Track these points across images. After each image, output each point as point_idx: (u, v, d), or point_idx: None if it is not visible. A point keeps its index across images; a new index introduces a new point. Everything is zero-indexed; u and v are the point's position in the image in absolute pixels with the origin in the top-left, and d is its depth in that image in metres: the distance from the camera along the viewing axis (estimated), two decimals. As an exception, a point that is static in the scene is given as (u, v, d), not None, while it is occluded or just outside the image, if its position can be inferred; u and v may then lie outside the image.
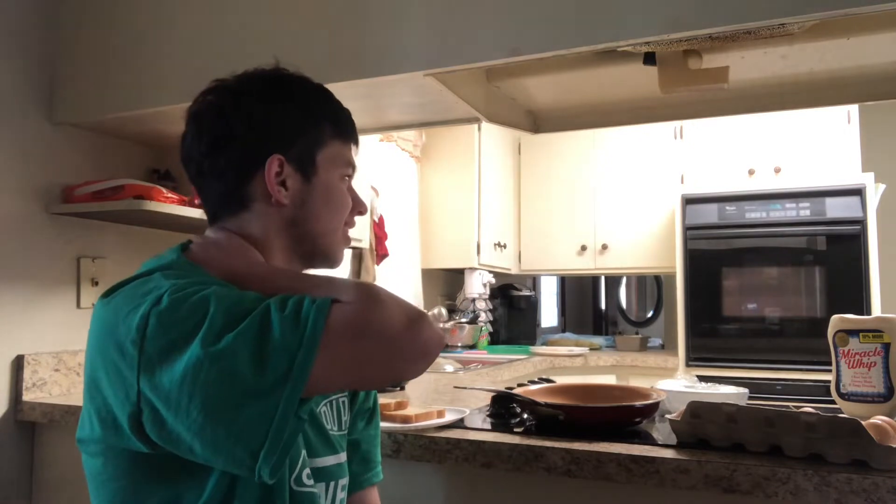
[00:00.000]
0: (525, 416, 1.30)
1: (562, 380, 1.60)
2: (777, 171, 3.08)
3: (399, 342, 0.72)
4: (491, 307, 3.57)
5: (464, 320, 3.35)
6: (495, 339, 3.76)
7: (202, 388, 0.66)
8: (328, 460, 0.91)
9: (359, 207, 0.96)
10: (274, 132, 0.86)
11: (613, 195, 3.50)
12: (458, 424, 1.26)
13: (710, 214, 2.98)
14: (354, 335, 0.71)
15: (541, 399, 1.26)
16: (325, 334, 0.69)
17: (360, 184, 0.94)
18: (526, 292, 3.97)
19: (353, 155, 0.95)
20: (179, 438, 0.68)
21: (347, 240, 0.96)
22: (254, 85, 0.89)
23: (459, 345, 3.31)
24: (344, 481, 0.95)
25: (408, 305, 0.76)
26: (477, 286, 3.38)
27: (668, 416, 1.15)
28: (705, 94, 1.58)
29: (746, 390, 1.36)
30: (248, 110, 0.86)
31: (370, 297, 0.73)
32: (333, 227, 0.92)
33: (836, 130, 3.00)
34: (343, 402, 0.99)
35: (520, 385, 1.51)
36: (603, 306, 4.97)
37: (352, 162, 0.94)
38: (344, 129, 0.93)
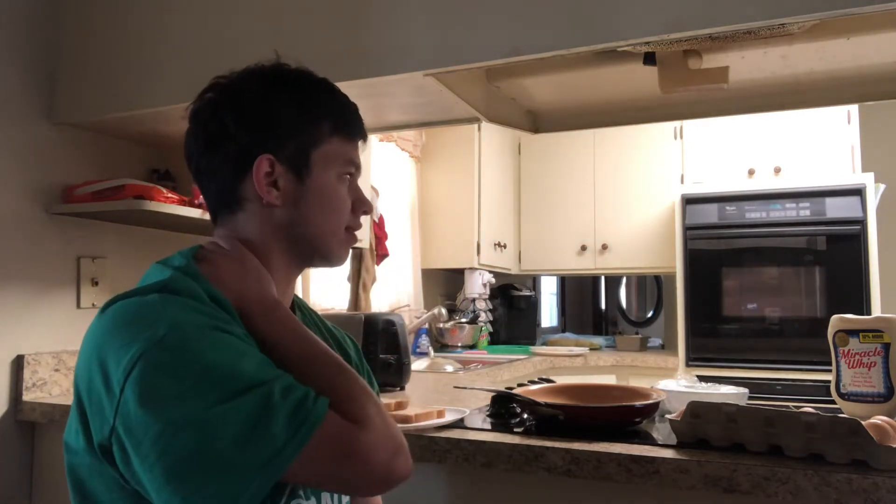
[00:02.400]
0: (525, 416, 1.30)
1: (562, 380, 1.60)
2: (777, 171, 3.08)
3: (377, 472, 0.72)
4: (491, 307, 3.56)
5: (464, 320, 3.35)
6: (495, 339, 3.76)
7: (174, 451, 0.65)
8: None
9: (363, 207, 0.92)
10: (265, 130, 0.84)
11: (613, 195, 3.49)
12: (458, 424, 1.26)
13: (710, 214, 2.98)
14: (340, 453, 0.70)
15: (541, 399, 1.26)
16: (315, 440, 0.68)
17: (361, 184, 0.94)
18: (526, 292, 3.97)
19: (359, 152, 0.92)
20: (141, 482, 0.68)
21: (352, 239, 0.92)
22: (250, 82, 0.87)
23: (459, 345, 3.31)
24: None
25: (395, 433, 0.76)
26: (477, 286, 3.38)
27: (668, 416, 1.15)
28: (705, 94, 1.58)
29: (746, 390, 1.36)
30: (242, 108, 0.84)
31: (366, 417, 0.73)
32: (330, 229, 0.88)
33: (836, 130, 3.00)
34: None
35: (520, 385, 1.51)
36: (603, 306, 4.97)
37: (353, 160, 0.90)
38: (345, 125, 0.89)
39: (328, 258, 0.91)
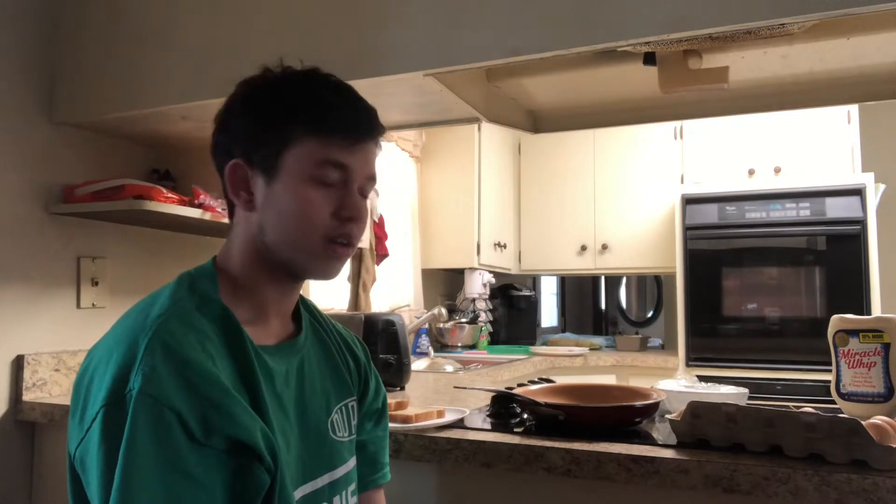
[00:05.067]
0: (525, 416, 1.30)
1: (562, 380, 1.60)
2: (777, 171, 3.08)
3: None
4: (491, 307, 3.56)
5: (464, 320, 3.35)
6: (495, 339, 3.76)
7: None
8: (338, 472, 0.91)
9: (346, 212, 0.82)
10: (239, 134, 0.82)
11: (613, 195, 3.49)
12: (458, 424, 1.26)
13: (710, 214, 2.98)
14: None
15: (541, 399, 1.26)
16: None
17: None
18: (526, 292, 3.97)
19: (350, 152, 0.82)
20: None
21: (335, 250, 0.83)
22: (242, 86, 0.86)
23: (459, 345, 3.30)
24: (353, 486, 0.95)
25: None
26: (477, 286, 3.38)
27: (668, 416, 1.15)
28: (705, 94, 1.58)
29: (746, 390, 1.36)
30: (227, 113, 0.85)
31: None
32: (295, 238, 0.80)
33: (836, 130, 3.00)
34: (353, 405, 0.98)
35: (520, 385, 1.51)
36: (603, 306, 4.97)
37: (332, 160, 0.81)
38: (323, 123, 0.80)
39: (302, 272, 0.85)
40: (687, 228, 3.01)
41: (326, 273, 0.85)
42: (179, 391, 0.68)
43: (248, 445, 0.71)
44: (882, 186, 2.76)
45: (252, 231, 0.83)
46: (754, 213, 2.90)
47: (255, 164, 0.81)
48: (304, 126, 0.80)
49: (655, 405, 1.23)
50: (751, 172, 3.12)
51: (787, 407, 1.08)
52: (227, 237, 0.88)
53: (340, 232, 0.82)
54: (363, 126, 0.86)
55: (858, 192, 2.75)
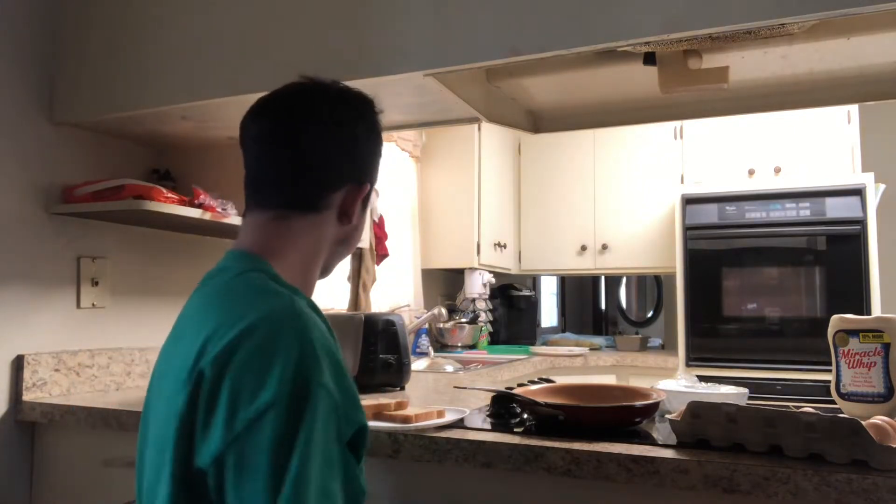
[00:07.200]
0: (525, 416, 1.30)
1: (562, 380, 1.60)
2: (777, 171, 3.08)
3: None
4: (491, 307, 3.56)
5: (464, 320, 3.35)
6: (495, 339, 3.76)
7: None
8: None
9: None
10: (373, 162, 0.99)
11: (613, 195, 3.50)
12: (458, 424, 1.26)
13: (710, 214, 2.98)
14: None
15: (541, 399, 1.26)
16: None
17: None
18: (526, 292, 3.97)
19: None
20: None
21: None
22: (363, 108, 0.97)
23: (459, 345, 3.30)
24: None
25: None
26: (477, 286, 3.38)
27: (668, 416, 1.15)
28: (705, 94, 1.58)
29: (746, 390, 1.36)
30: (359, 129, 0.95)
31: None
32: (349, 254, 1.02)
33: (836, 130, 3.00)
34: None
35: (520, 385, 1.51)
36: (603, 306, 4.97)
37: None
38: (376, 178, 1.04)
39: (325, 275, 1.02)
40: (687, 228, 3.01)
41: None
42: (335, 382, 0.74)
43: (361, 430, 0.77)
44: (882, 186, 2.76)
45: (335, 237, 0.96)
46: (754, 213, 2.90)
47: (361, 192, 0.97)
48: (374, 179, 1.02)
49: (655, 405, 1.23)
50: (751, 172, 3.12)
51: (787, 407, 1.08)
52: (283, 233, 0.91)
53: None
54: None
55: (858, 192, 2.75)
